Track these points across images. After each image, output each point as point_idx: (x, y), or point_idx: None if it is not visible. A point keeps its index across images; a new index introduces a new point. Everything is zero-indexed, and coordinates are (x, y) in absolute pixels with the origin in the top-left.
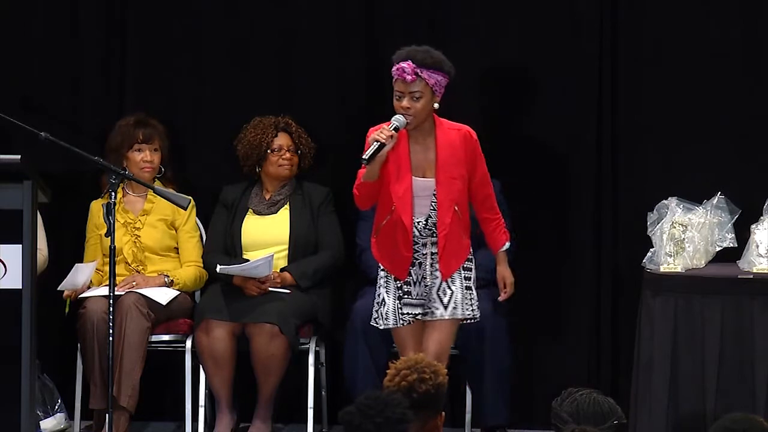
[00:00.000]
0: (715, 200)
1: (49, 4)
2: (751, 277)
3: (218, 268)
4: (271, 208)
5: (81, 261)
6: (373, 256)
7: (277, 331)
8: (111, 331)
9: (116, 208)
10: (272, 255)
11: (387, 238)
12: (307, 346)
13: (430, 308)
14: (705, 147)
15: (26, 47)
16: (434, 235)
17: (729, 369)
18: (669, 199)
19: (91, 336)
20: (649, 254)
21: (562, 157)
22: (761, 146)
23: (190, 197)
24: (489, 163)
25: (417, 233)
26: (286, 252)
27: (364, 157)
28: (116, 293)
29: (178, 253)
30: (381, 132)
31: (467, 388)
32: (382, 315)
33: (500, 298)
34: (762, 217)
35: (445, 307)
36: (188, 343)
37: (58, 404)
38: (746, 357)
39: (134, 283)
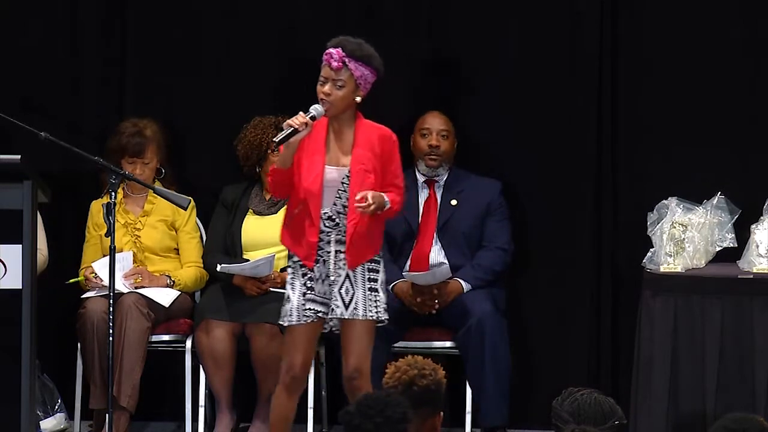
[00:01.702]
0: (715, 200)
1: (49, 4)
2: (751, 277)
3: (219, 267)
4: (272, 209)
5: (80, 261)
6: (285, 245)
7: (277, 331)
8: (111, 331)
9: (117, 208)
10: (273, 255)
11: (297, 224)
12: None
13: (331, 306)
14: (705, 147)
15: (26, 47)
16: (340, 228)
17: (729, 369)
18: (669, 199)
19: (91, 336)
20: (649, 254)
21: (562, 157)
22: (761, 146)
23: (190, 198)
24: (489, 163)
25: (323, 224)
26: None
27: (275, 139)
28: (116, 293)
29: (178, 253)
30: (296, 118)
31: (467, 388)
32: (286, 312)
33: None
34: (762, 217)
35: (346, 307)
36: (188, 343)
37: (58, 404)
38: (746, 357)
39: (140, 278)
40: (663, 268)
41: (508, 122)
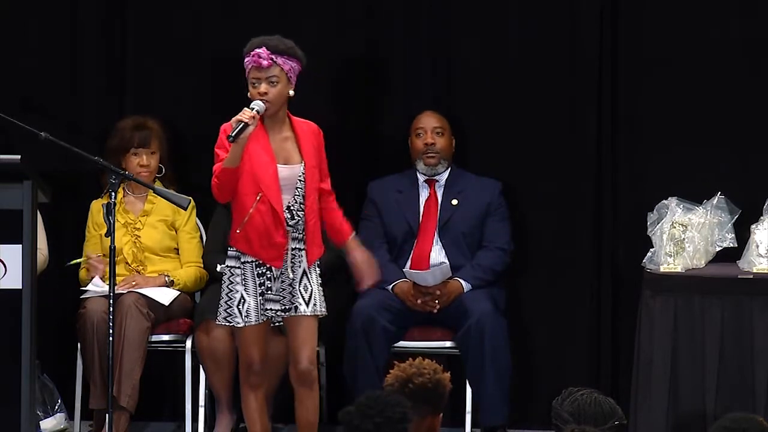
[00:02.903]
0: (715, 200)
1: (49, 4)
2: (751, 277)
3: (218, 267)
4: None
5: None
6: (240, 250)
7: (276, 332)
8: (111, 331)
9: (117, 208)
10: None
11: (257, 227)
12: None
13: (293, 303)
14: (705, 147)
15: (26, 47)
16: (297, 226)
17: (729, 369)
18: (669, 199)
19: (91, 336)
20: (649, 254)
21: (562, 157)
22: (761, 146)
23: (190, 198)
24: (489, 163)
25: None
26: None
27: (229, 135)
28: (116, 293)
29: (178, 253)
30: (243, 113)
31: (467, 388)
32: (241, 312)
33: (363, 287)
34: (762, 217)
35: (307, 303)
36: (188, 343)
37: (58, 404)
38: (746, 357)
39: (134, 283)
40: (663, 268)
41: (508, 122)
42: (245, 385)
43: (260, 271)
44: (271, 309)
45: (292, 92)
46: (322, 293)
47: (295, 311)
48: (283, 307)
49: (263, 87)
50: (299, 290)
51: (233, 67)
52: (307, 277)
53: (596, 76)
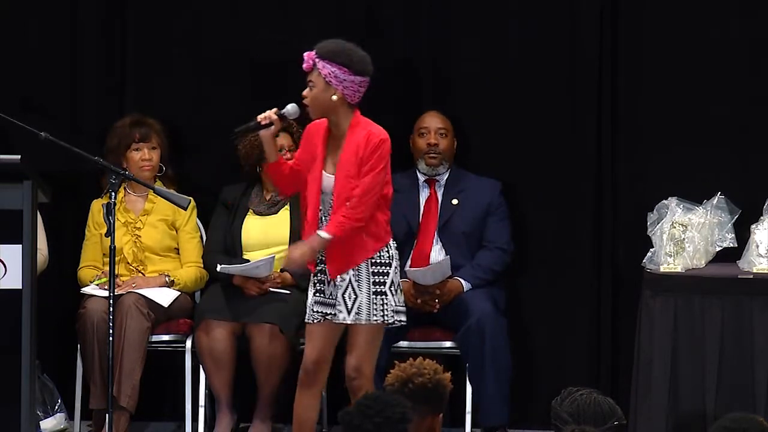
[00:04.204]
0: (715, 200)
1: (49, 4)
2: (751, 277)
3: (218, 267)
4: (272, 209)
5: (79, 261)
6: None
7: (277, 331)
8: (111, 331)
9: (117, 207)
10: (273, 256)
11: (306, 229)
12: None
13: (335, 311)
14: (705, 147)
15: (26, 47)
16: None
17: (729, 369)
18: (669, 199)
19: (91, 336)
20: (649, 254)
21: (562, 157)
22: (761, 146)
23: (190, 198)
24: (489, 163)
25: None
26: (287, 252)
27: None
28: (116, 293)
29: (178, 253)
30: (266, 113)
31: (467, 388)
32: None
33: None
34: (762, 217)
35: (349, 312)
36: (188, 343)
37: (58, 404)
38: (746, 357)
39: (134, 285)
40: (663, 268)
41: (508, 122)
42: (298, 381)
43: (318, 276)
44: (318, 312)
45: (335, 97)
46: (383, 301)
47: (335, 318)
48: (332, 311)
49: (306, 90)
50: (342, 297)
51: (233, 67)
52: (353, 285)
53: (596, 76)
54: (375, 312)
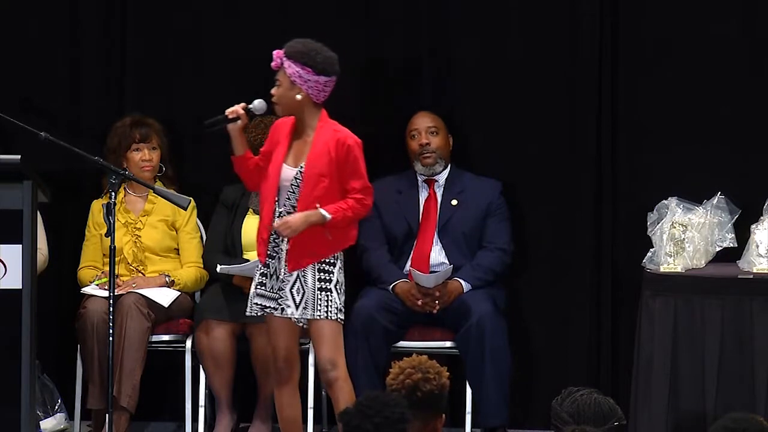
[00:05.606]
0: (715, 200)
1: (49, 4)
2: (751, 277)
3: (218, 267)
4: None
5: (79, 261)
6: None
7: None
8: (111, 331)
9: (117, 208)
10: None
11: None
12: (307, 346)
13: (282, 305)
14: (705, 147)
15: (26, 47)
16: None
17: (729, 369)
18: (669, 199)
19: (91, 336)
20: (649, 254)
21: (562, 157)
22: (761, 146)
23: (190, 198)
24: (488, 163)
25: (276, 222)
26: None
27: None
28: (116, 293)
29: (178, 253)
30: (234, 107)
31: (467, 388)
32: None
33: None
34: (762, 217)
35: (297, 306)
36: (188, 343)
37: (58, 404)
38: (746, 357)
39: (134, 285)
40: (663, 268)
41: (508, 122)
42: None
43: (262, 269)
44: (257, 304)
45: (299, 96)
46: (327, 297)
47: (283, 313)
48: (274, 305)
49: (273, 88)
50: (290, 292)
51: (233, 67)
52: (301, 281)
53: (596, 76)
54: (319, 308)
